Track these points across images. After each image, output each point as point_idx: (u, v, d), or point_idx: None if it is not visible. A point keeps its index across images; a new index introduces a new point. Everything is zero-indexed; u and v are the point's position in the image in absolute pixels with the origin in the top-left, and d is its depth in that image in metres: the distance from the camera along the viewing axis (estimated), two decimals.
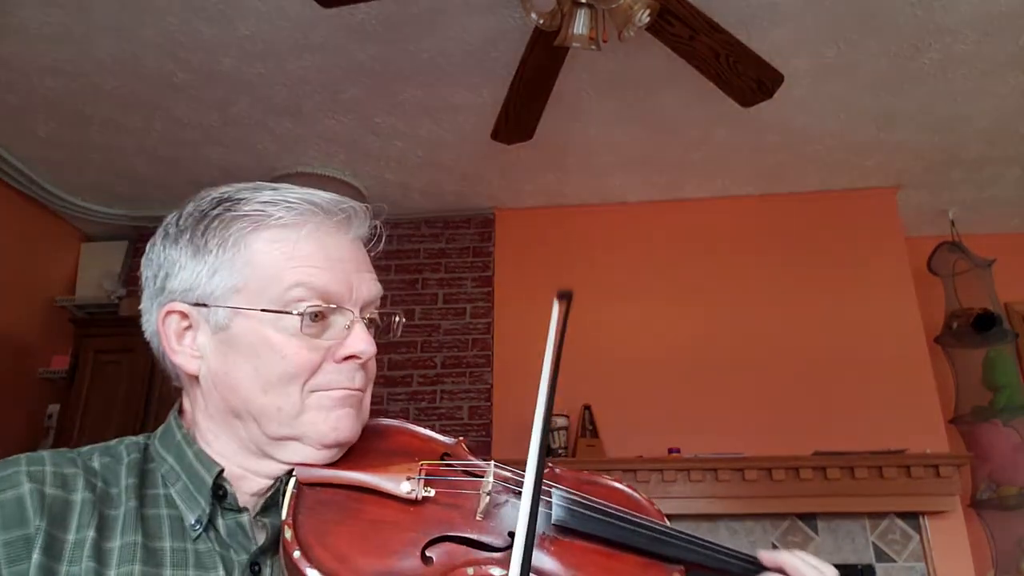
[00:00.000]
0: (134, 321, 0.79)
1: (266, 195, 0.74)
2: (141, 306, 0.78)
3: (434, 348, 3.68)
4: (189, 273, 0.72)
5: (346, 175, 3.54)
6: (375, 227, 0.79)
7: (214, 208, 0.74)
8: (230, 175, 3.42)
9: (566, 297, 0.68)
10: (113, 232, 4.00)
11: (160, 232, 0.76)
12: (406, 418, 0.82)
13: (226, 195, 0.75)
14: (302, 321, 0.70)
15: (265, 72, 2.83)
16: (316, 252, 0.72)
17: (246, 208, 0.73)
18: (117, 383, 3.47)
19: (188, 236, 0.73)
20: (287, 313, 0.70)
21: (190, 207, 0.75)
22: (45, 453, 0.68)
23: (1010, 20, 2.53)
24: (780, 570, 0.76)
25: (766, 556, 0.77)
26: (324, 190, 0.77)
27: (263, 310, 0.70)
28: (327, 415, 0.71)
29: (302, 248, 0.72)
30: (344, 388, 0.73)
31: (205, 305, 0.72)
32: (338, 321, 0.73)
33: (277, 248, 0.71)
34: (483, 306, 3.74)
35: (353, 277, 0.74)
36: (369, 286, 0.75)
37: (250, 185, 0.76)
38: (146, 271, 0.76)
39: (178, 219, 0.75)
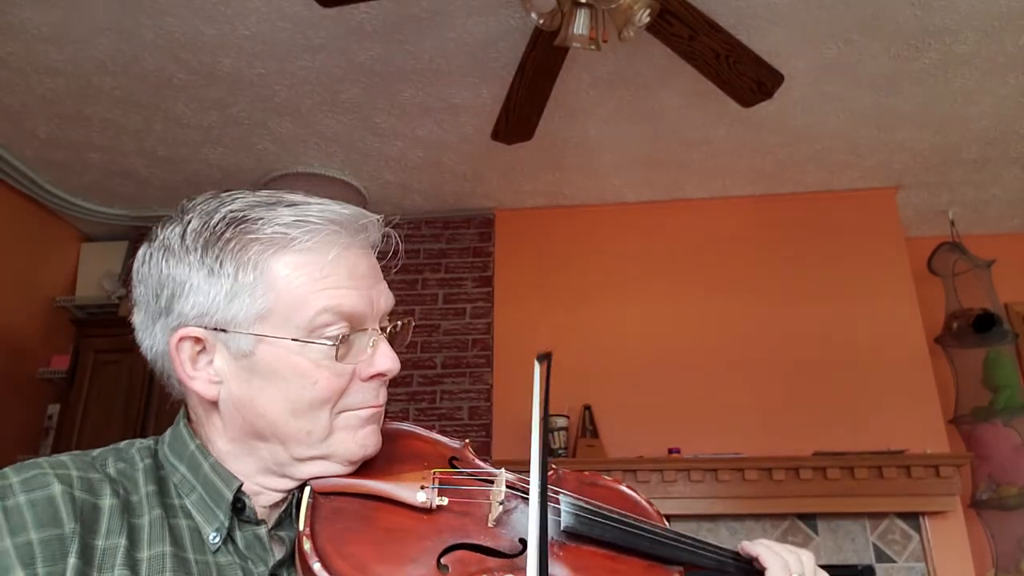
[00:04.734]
0: None
1: (285, 216, 0.70)
2: (135, 319, 0.74)
3: (434, 348, 3.68)
4: (203, 297, 0.68)
5: (346, 175, 3.54)
6: (389, 237, 0.78)
7: (227, 229, 0.69)
8: (230, 175, 3.42)
9: (546, 359, 0.69)
10: (113, 232, 4.00)
11: (158, 246, 0.71)
12: (406, 418, 0.83)
13: (240, 214, 0.70)
14: (331, 348, 0.69)
15: (265, 72, 2.83)
16: (340, 273, 0.70)
17: (267, 230, 0.69)
18: (117, 383, 3.46)
19: (199, 256, 0.69)
20: (316, 343, 0.68)
21: (195, 223, 0.70)
22: (65, 457, 0.66)
23: (1010, 20, 2.53)
24: (756, 560, 0.78)
25: (745, 548, 0.80)
26: (324, 192, 0.75)
27: (293, 339, 0.68)
28: (355, 434, 0.72)
29: (327, 271, 0.69)
30: (370, 407, 0.73)
31: (224, 331, 0.69)
32: (362, 340, 0.72)
33: (302, 273, 0.69)
34: (483, 306, 3.74)
35: (373, 292, 0.73)
36: (386, 297, 0.75)
37: (262, 200, 0.72)
38: (142, 287, 0.72)
39: (182, 234, 0.70)
